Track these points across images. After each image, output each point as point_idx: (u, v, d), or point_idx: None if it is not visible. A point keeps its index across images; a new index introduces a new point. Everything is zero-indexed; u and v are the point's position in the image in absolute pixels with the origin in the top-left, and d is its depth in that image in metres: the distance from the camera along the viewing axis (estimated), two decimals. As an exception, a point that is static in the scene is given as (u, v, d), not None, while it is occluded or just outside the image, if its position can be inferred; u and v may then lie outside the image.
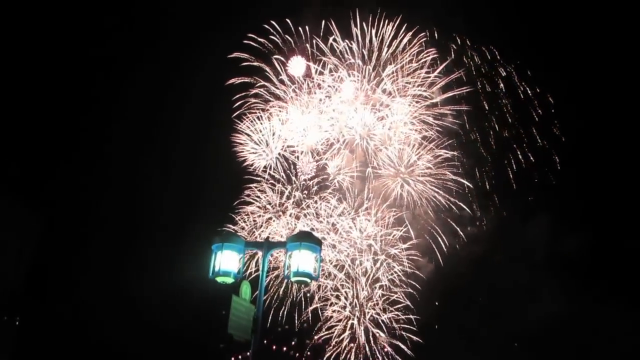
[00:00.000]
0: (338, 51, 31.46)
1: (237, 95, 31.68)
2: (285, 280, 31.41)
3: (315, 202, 31.93)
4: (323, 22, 30.95)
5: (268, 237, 9.71)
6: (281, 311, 32.35)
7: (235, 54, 31.96)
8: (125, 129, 40.13)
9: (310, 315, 32.57)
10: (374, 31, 31.13)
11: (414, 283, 31.19)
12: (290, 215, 31.73)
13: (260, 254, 9.46)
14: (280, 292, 31.95)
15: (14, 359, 28.65)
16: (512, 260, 35.93)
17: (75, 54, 39.52)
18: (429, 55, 31.30)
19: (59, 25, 37.89)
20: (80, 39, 39.18)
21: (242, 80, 32.05)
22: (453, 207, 31.46)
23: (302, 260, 8.75)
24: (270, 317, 31.93)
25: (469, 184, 32.49)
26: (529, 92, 33.81)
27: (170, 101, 42.95)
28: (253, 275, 30.46)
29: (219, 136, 34.36)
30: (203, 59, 38.93)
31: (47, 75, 37.64)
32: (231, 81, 31.97)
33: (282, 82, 31.89)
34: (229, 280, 9.01)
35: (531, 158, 33.65)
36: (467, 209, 32.22)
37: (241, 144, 32.37)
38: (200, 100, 39.28)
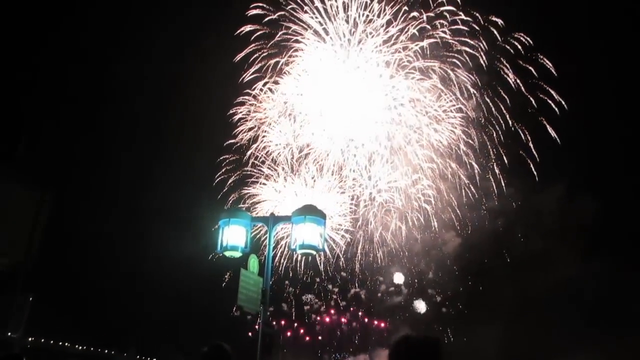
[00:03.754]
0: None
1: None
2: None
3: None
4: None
5: (273, 213, 9.84)
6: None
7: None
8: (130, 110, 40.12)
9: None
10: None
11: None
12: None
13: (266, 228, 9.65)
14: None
15: (27, 334, 29.48)
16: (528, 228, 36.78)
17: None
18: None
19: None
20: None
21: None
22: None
23: (307, 233, 8.95)
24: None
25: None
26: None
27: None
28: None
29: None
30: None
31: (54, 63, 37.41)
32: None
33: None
34: (237, 254, 9.24)
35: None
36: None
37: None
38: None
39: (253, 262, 9.15)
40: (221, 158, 35.46)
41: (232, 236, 9.12)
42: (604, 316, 33.99)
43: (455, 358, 36.60)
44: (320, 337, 43.72)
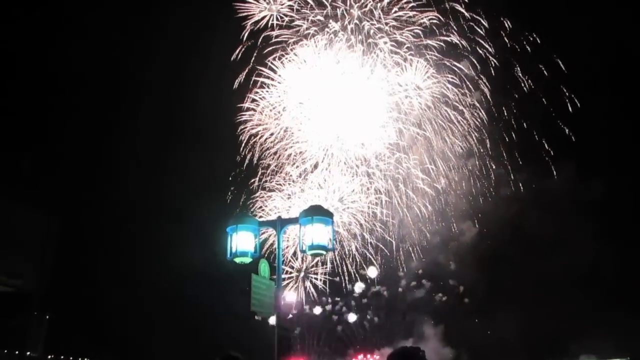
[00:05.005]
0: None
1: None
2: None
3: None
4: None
5: (280, 216, 9.85)
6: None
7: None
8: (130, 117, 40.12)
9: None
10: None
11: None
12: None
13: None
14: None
15: (47, 352, 29.73)
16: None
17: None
18: None
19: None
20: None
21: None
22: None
23: (316, 234, 8.93)
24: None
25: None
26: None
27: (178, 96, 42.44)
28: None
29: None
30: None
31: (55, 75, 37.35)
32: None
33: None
34: (247, 260, 9.22)
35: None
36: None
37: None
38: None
39: (264, 267, 9.15)
40: (233, 174, 35.63)
41: (241, 242, 9.11)
42: (624, 297, 33.88)
43: (480, 349, 36.78)
44: (344, 335, 43.93)
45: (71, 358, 33.61)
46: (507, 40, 33.74)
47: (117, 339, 35.84)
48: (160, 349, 36.21)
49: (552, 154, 35.50)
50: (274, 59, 33.02)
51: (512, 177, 36.65)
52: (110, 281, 36.78)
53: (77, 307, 33.16)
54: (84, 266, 35.56)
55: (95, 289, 35.89)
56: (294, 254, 34.16)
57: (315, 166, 34.35)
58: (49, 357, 29.37)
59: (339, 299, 41.64)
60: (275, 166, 34.83)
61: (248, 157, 34.65)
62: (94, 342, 34.49)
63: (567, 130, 34.49)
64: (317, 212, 9.20)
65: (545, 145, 35.35)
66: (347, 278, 37.50)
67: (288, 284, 36.11)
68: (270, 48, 32.97)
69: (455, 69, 33.63)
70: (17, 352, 21.83)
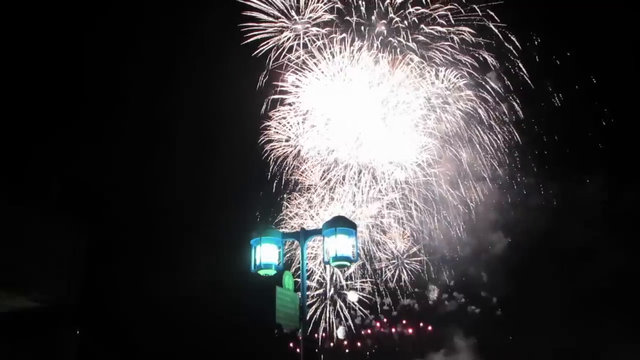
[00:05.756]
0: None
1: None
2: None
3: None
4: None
5: (303, 227, 9.86)
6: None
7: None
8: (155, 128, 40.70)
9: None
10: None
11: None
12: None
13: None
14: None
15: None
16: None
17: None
18: None
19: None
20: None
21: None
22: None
23: (339, 245, 8.91)
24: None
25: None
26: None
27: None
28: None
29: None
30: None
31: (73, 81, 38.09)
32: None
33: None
34: (271, 272, 9.23)
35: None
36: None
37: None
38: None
39: (288, 279, 9.14)
40: (261, 193, 36.07)
41: (265, 254, 9.16)
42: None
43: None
44: (374, 348, 43.64)
45: (101, 374, 33.88)
46: (536, 55, 33.52)
47: (148, 355, 36.07)
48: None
49: (584, 165, 35.05)
50: (298, 77, 33.43)
51: (542, 188, 36.29)
52: (140, 295, 37.12)
53: (107, 321, 33.53)
54: (113, 280, 36.01)
55: (125, 303, 36.25)
56: (324, 269, 34.22)
57: (343, 182, 34.52)
58: (80, 373, 29.76)
59: (368, 311, 41.36)
60: (302, 183, 35.19)
61: (276, 175, 35.05)
62: (124, 358, 34.78)
63: (599, 144, 34.17)
64: (340, 223, 9.19)
65: (577, 157, 35.00)
66: (376, 293, 37.45)
67: (316, 301, 36.12)
68: (295, 67, 33.41)
69: (484, 82, 33.51)
70: (48, 368, 22.18)
